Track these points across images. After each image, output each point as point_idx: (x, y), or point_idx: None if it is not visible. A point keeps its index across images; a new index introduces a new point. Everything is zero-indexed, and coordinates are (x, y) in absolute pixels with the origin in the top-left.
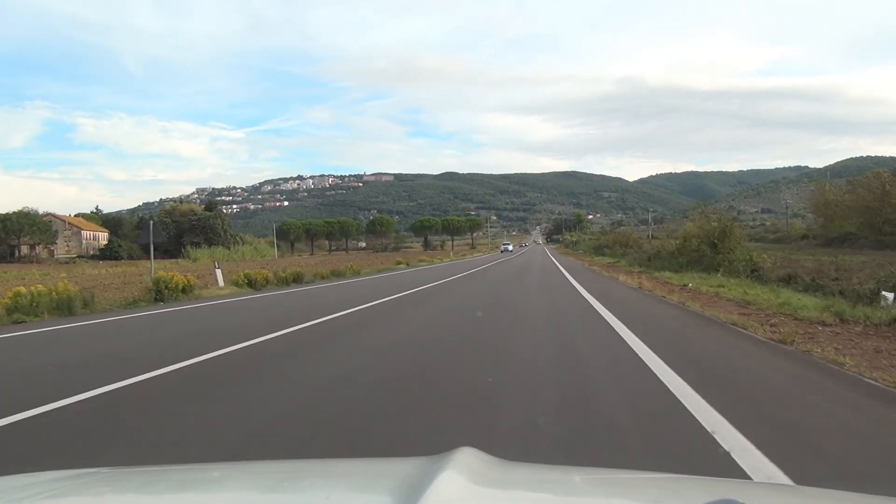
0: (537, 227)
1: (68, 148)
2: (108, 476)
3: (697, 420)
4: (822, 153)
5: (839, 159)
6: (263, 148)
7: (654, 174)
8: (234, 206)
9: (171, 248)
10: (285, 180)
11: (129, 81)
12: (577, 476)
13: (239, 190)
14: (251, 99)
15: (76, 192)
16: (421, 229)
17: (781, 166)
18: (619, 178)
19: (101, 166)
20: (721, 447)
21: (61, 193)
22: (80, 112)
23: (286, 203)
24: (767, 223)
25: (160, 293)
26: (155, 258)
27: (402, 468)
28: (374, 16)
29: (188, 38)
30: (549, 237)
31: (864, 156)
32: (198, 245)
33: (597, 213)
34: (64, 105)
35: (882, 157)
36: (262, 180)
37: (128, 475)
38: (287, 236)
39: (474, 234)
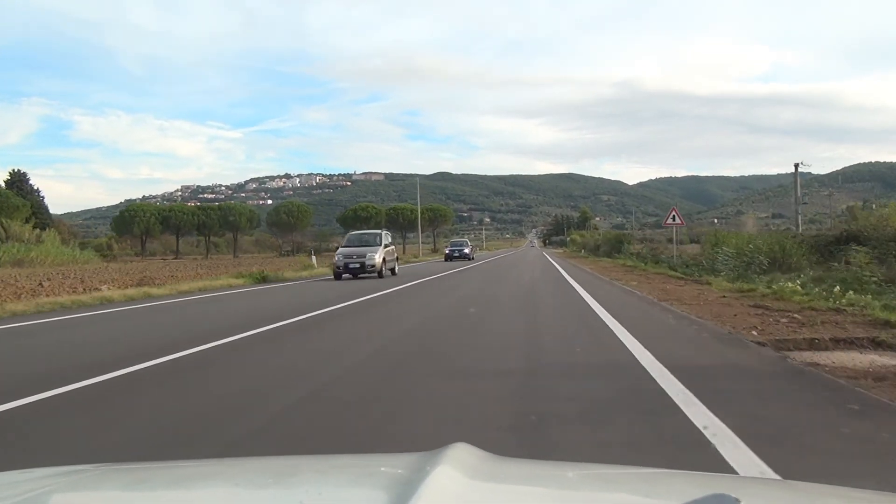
0: (533, 230)
1: (65, 145)
2: (100, 473)
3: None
4: (823, 160)
5: (844, 165)
6: (261, 148)
7: (653, 178)
8: (216, 204)
9: None
10: (272, 178)
11: (127, 79)
12: (571, 471)
13: (223, 187)
14: (249, 99)
15: (72, 190)
16: (354, 221)
17: (783, 172)
18: (618, 182)
19: (97, 164)
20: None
21: (57, 191)
22: (77, 109)
23: (269, 201)
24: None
25: None
26: None
27: (396, 464)
28: (371, 16)
29: (186, 36)
30: (548, 239)
31: (873, 161)
32: None
33: (596, 216)
34: (61, 102)
35: (891, 163)
36: (248, 178)
37: (119, 472)
38: (130, 229)
39: (437, 231)
